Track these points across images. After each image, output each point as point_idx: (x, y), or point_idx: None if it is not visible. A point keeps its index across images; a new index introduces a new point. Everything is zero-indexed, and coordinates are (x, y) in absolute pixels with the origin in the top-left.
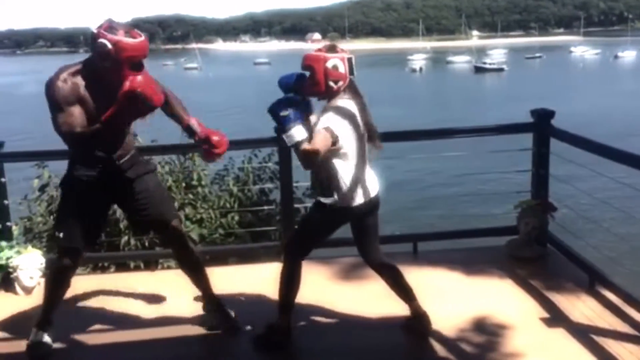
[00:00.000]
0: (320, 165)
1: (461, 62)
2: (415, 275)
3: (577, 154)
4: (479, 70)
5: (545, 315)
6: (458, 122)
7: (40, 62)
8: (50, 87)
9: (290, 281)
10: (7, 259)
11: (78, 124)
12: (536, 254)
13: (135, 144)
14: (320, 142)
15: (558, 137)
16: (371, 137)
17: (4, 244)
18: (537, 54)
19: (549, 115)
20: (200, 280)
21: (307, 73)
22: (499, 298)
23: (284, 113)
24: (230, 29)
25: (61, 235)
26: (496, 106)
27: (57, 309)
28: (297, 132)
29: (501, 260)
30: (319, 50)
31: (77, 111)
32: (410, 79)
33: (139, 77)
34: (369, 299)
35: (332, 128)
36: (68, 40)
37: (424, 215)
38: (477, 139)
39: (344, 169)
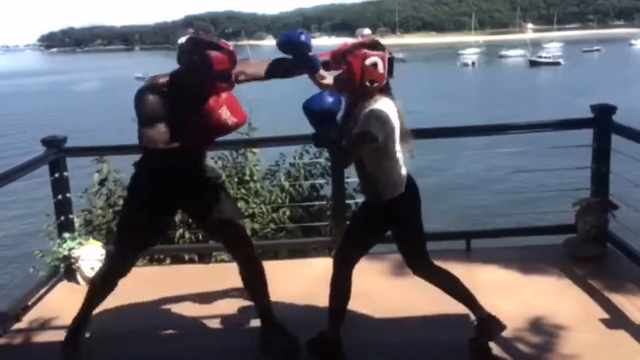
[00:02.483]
0: (361, 164)
1: (515, 55)
2: (469, 273)
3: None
4: (534, 64)
5: (605, 315)
6: (513, 119)
7: (99, 59)
8: (140, 98)
9: (341, 290)
10: (70, 249)
11: (161, 140)
12: (595, 253)
13: None
14: (359, 142)
15: (620, 133)
16: (405, 139)
17: (66, 235)
18: (595, 47)
19: (610, 110)
20: (257, 292)
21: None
22: (556, 297)
23: (323, 108)
24: (280, 25)
25: (121, 239)
26: (553, 101)
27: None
28: (335, 131)
29: (559, 259)
30: (360, 44)
31: (162, 126)
32: (462, 73)
33: (223, 95)
34: (418, 294)
35: (372, 128)
36: (124, 38)
37: (478, 212)
38: (534, 135)
39: (385, 168)
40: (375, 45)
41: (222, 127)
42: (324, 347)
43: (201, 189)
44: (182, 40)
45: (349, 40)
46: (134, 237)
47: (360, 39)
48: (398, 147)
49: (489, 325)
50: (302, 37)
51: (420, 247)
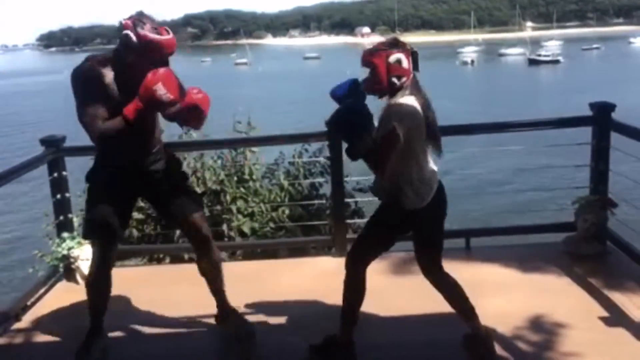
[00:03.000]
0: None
1: (514, 54)
2: (468, 272)
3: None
4: (533, 62)
5: (605, 313)
6: (512, 117)
7: None
8: (76, 77)
9: (354, 291)
10: (69, 249)
11: (101, 116)
12: (595, 251)
13: (161, 139)
14: (387, 144)
15: (619, 131)
16: (433, 136)
17: (65, 235)
18: (595, 45)
19: (609, 108)
20: (216, 283)
21: (366, 71)
22: (556, 295)
23: (354, 120)
24: (280, 24)
25: (88, 226)
26: (552, 99)
27: (105, 312)
28: (367, 140)
29: (558, 257)
30: (381, 44)
31: (100, 103)
32: (461, 72)
33: (161, 70)
34: (423, 293)
35: (396, 127)
36: None
37: (477, 211)
38: (533, 134)
39: (409, 170)
40: (395, 44)
41: (155, 103)
42: (331, 352)
43: (155, 182)
44: (122, 19)
45: (349, 39)
46: (102, 230)
47: (360, 37)
48: (423, 146)
49: (483, 341)
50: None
51: (436, 251)
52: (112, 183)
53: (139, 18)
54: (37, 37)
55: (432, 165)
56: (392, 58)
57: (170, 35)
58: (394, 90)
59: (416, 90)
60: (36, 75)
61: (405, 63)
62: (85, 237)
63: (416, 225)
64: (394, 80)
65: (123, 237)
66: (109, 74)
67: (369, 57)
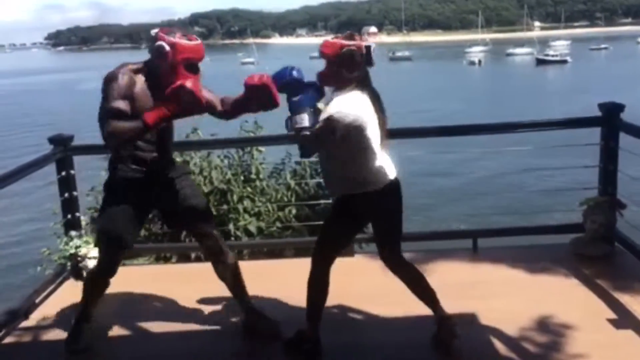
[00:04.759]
0: (332, 156)
1: (522, 54)
2: (476, 272)
3: None
4: (541, 62)
5: (612, 315)
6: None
7: (104, 58)
8: (107, 79)
9: (317, 289)
10: (76, 247)
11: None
12: (603, 253)
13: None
14: (323, 132)
15: (628, 132)
16: (381, 130)
17: (73, 233)
18: (603, 45)
19: (618, 108)
20: (237, 287)
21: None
22: (563, 297)
23: (294, 98)
24: (286, 23)
25: (102, 237)
26: (560, 100)
27: (97, 305)
28: (303, 119)
29: (566, 259)
30: (337, 37)
31: (124, 107)
32: (468, 72)
33: (189, 80)
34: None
35: (335, 117)
36: (131, 36)
37: (485, 212)
38: (541, 134)
39: (357, 158)
40: (351, 37)
41: (182, 108)
42: (302, 346)
43: (170, 182)
44: (154, 31)
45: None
46: (115, 243)
47: (367, 36)
48: (373, 142)
49: (448, 323)
50: (295, 74)
51: (395, 242)
52: (129, 195)
53: (170, 29)
54: (45, 35)
55: (383, 156)
56: (345, 50)
57: (199, 42)
58: (343, 83)
59: (365, 85)
60: (45, 74)
61: (358, 56)
62: (97, 246)
63: (373, 217)
64: (344, 72)
65: (132, 247)
66: (140, 82)
67: (323, 48)
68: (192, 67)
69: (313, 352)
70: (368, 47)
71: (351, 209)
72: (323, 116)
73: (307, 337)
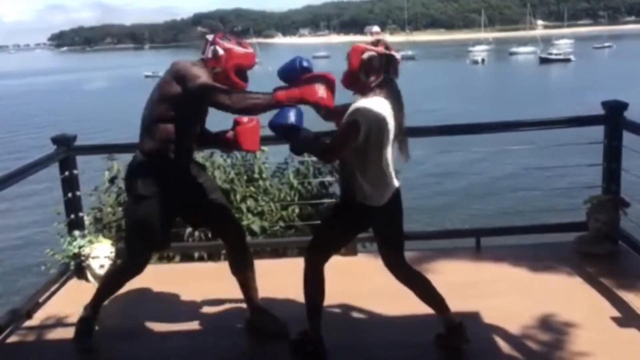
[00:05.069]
0: (345, 163)
1: (525, 52)
2: (479, 271)
3: None
4: (544, 61)
5: (616, 313)
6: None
7: (109, 58)
8: (190, 67)
9: (313, 288)
10: (80, 247)
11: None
12: (607, 251)
13: None
14: (345, 133)
15: (632, 130)
16: (400, 141)
17: (76, 233)
18: (606, 44)
19: (621, 107)
20: (249, 282)
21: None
22: (567, 295)
23: (290, 121)
24: (289, 23)
25: (138, 232)
26: (564, 98)
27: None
28: (307, 135)
29: (569, 257)
30: (365, 42)
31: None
32: (472, 71)
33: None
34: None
35: (357, 123)
36: (133, 36)
37: (488, 210)
38: (544, 133)
39: (369, 168)
40: (375, 44)
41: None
42: (305, 346)
43: (195, 176)
44: (210, 36)
45: (359, 38)
46: (149, 233)
47: (369, 36)
48: (388, 155)
49: (457, 335)
50: (305, 64)
51: (398, 249)
52: (162, 190)
53: (224, 34)
54: (49, 36)
55: (392, 167)
56: (366, 55)
57: (251, 50)
58: (363, 87)
59: (390, 93)
60: (48, 74)
61: (377, 62)
62: (127, 242)
63: (375, 224)
64: (362, 77)
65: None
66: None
67: (350, 51)
68: (241, 74)
69: (316, 354)
70: (391, 57)
71: (353, 214)
72: (349, 117)
73: (309, 338)
